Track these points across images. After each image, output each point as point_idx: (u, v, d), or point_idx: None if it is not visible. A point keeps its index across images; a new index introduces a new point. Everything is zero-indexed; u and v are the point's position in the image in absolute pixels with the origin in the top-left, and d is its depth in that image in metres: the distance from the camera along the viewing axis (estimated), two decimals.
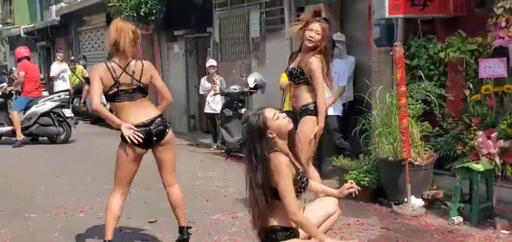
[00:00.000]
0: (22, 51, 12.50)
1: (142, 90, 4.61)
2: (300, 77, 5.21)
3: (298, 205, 3.78)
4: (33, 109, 11.68)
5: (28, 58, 12.42)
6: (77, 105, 16.20)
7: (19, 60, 12.36)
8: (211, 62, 11.07)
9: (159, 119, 4.62)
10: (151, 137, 4.55)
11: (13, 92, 12.95)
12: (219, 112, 10.51)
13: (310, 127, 5.12)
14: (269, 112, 3.81)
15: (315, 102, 5.14)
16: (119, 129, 4.56)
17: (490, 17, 6.06)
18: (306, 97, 5.20)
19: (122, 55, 4.55)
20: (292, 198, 3.70)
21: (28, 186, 7.81)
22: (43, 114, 11.69)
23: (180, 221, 4.84)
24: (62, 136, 11.92)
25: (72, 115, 12.29)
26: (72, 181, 7.97)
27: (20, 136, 11.46)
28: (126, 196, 4.76)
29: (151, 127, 4.55)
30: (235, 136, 9.63)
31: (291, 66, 5.33)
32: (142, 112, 4.57)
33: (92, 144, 11.74)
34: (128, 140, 4.44)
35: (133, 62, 4.59)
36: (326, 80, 5.24)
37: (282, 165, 3.70)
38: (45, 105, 11.80)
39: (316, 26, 5.11)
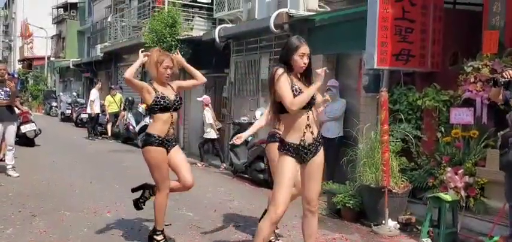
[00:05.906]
0: None
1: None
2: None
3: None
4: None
5: None
6: (114, 128, 16.01)
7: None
8: (203, 97, 11.40)
9: None
10: None
11: None
12: (208, 138, 11.21)
13: None
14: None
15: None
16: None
17: (461, 74, 6.12)
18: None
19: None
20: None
21: (65, 188, 7.77)
22: None
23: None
24: None
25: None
26: (103, 187, 7.93)
27: None
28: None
29: None
30: (241, 159, 9.61)
31: None
32: None
33: (121, 158, 11.73)
34: None
35: None
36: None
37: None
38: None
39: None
